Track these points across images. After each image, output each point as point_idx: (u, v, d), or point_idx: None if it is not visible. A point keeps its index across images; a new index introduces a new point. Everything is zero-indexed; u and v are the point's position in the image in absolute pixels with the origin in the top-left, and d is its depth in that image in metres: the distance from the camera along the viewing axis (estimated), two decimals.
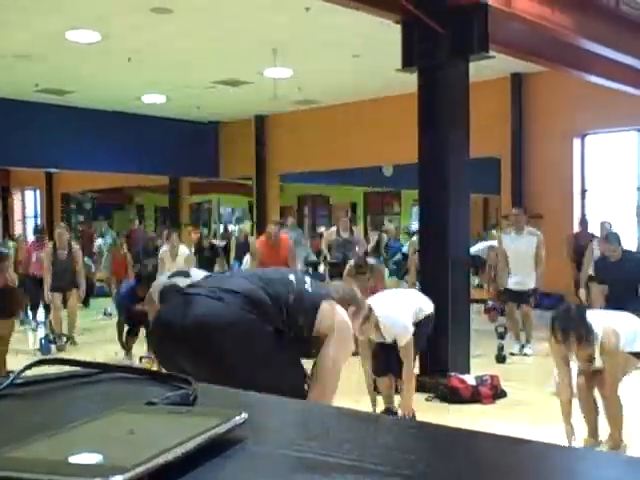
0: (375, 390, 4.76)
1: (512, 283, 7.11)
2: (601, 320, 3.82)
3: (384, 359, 4.60)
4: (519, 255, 6.98)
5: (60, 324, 7.79)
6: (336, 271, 8.34)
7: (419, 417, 4.51)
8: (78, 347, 7.63)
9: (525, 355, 6.88)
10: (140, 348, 6.62)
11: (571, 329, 3.67)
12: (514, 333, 7.11)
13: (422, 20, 5.46)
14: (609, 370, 3.79)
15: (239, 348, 2.29)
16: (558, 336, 3.73)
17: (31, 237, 12.62)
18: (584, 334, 3.68)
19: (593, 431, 4.03)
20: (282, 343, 2.38)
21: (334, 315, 2.50)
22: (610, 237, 6.43)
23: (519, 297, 7.08)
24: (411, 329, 4.37)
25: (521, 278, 7.01)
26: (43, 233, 9.67)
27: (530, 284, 7.02)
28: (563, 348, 3.77)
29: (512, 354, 6.81)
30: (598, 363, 3.81)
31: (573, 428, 3.88)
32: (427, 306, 4.59)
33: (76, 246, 8.22)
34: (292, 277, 2.54)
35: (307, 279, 2.62)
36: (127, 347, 6.71)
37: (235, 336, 2.29)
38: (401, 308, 4.45)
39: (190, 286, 2.56)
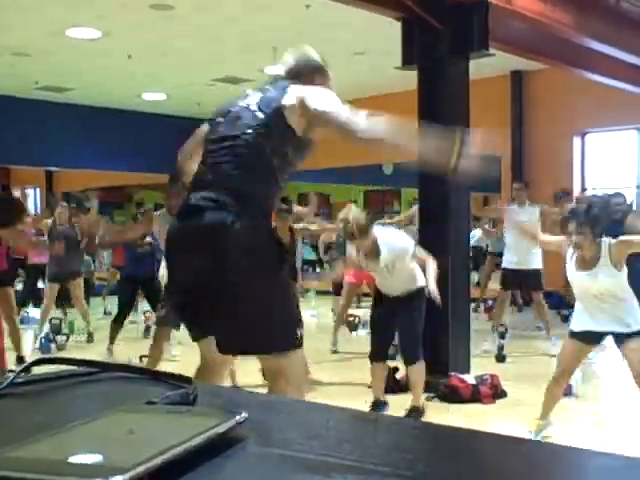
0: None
1: (511, 262, 6.87)
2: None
3: (380, 342, 4.55)
4: (519, 227, 6.80)
5: (45, 318, 7.47)
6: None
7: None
8: (78, 346, 7.60)
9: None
10: (140, 347, 6.63)
11: (586, 223, 3.64)
12: (496, 323, 6.85)
13: (422, 17, 5.45)
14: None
15: (244, 258, 2.24)
16: (576, 226, 3.64)
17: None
18: (596, 230, 3.64)
19: (545, 415, 4.02)
20: (282, 264, 2.33)
21: (300, 90, 2.34)
22: (613, 194, 6.39)
23: (520, 278, 6.84)
24: (413, 242, 4.31)
25: (521, 256, 6.74)
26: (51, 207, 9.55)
27: (532, 264, 6.77)
28: (575, 239, 3.67)
29: (486, 351, 6.54)
30: (600, 263, 3.70)
31: (550, 424, 3.90)
32: (422, 278, 4.44)
33: (77, 224, 7.76)
34: (249, 104, 2.38)
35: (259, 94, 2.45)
36: (112, 337, 6.67)
37: (244, 245, 2.24)
38: (401, 234, 4.43)
39: (191, 190, 2.42)
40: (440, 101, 5.64)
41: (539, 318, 7.13)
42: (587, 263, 3.72)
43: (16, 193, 19.21)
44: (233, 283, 2.23)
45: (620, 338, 3.77)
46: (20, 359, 6.08)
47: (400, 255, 4.25)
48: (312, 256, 13.46)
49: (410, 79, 6.03)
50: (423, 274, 4.38)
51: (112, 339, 6.69)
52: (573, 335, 3.89)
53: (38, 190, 18.58)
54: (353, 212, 4.22)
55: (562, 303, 8.31)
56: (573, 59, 7.64)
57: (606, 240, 3.70)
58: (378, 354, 4.59)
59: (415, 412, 4.56)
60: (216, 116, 2.52)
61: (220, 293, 2.26)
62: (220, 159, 2.35)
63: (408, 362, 4.57)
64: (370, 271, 4.54)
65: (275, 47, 8.88)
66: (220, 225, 2.23)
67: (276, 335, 2.33)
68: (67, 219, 7.62)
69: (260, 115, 2.34)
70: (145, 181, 16.64)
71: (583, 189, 10.62)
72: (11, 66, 9.81)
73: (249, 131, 2.33)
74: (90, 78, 10.60)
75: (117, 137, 12.80)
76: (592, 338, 3.87)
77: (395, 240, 4.32)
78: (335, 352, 7.06)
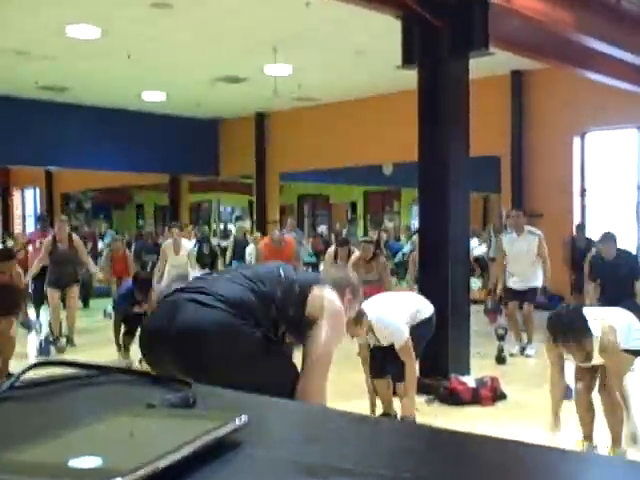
0: (375, 392, 4.75)
1: (512, 282, 7.10)
2: (598, 317, 3.81)
3: (380, 360, 4.57)
4: (519, 256, 6.99)
5: (58, 324, 7.66)
6: None
7: (419, 419, 4.51)
8: (78, 348, 7.60)
9: (527, 356, 6.86)
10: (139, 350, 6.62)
11: (569, 332, 3.66)
12: (515, 333, 7.08)
13: (422, 16, 5.45)
14: (612, 367, 3.78)
15: (226, 354, 2.27)
16: (557, 339, 3.72)
17: (30, 232, 12.58)
18: (583, 335, 3.67)
19: (588, 434, 4.03)
20: (271, 348, 2.35)
21: (323, 300, 2.44)
22: (605, 237, 6.46)
23: (521, 296, 7.04)
24: (406, 332, 4.32)
25: (523, 279, 7.00)
26: (46, 221, 9.62)
27: (532, 282, 6.99)
28: (561, 349, 3.76)
29: (512, 355, 6.77)
30: (596, 360, 3.80)
31: (560, 421, 3.91)
32: (426, 309, 4.55)
33: (77, 238, 7.96)
34: (280, 270, 2.50)
35: (294, 269, 2.59)
36: (124, 347, 6.68)
37: (222, 342, 2.27)
38: (395, 310, 4.42)
39: (176, 290, 2.50)
40: (440, 100, 5.64)
41: (524, 325, 7.18)
42: (584, 360, 3.82)
43: (16, 193, 19.26)
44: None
45: None
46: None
47: (394, 339, 4.35)
48: (312, 259, 13.46)
49: (410, 78, 6.04)
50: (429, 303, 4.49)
51: (127, 349, 6.65)
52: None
53: (38, 190, 18.58)
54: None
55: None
56: (573, 58, 7.64)
57: (595, 336, 3.72)
58: (379, 371, 4.61)
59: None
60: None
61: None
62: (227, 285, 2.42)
63: (397, 380, 4.60)
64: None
65: (275, 46, 8.90)
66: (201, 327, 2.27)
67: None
68: (67, 235, 7.73)
69: (284, 284, 2.43)
70: (145, 181, 16.65)
71: (582, 190, 10.62)
72: (11, 66, 9.81)
73: (267, 288, 2.41)
74: (90, 78, 10.60)
75: (117, 137, 12.80)
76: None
77: (389, 334, 4.34)
78: None
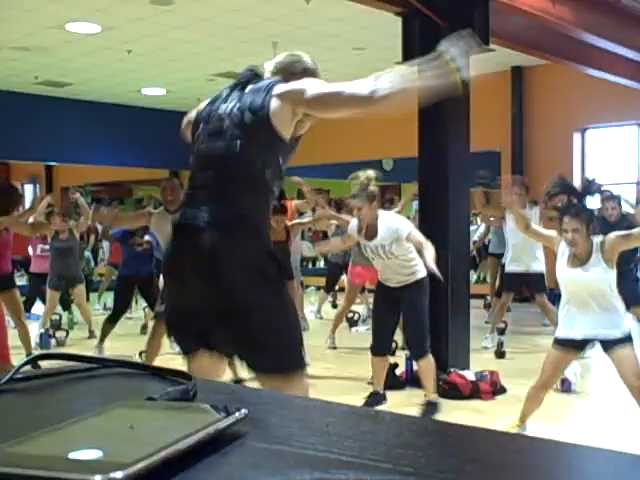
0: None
1: (514, 266, 6.83)
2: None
3: (383, 334, 4.55)
4: (519, 232, 6.81)
5: (50, 320, 7.61)
6: (338, 270, 8.31)
7: (418, 413, 4.52)
8: (77, 342, 7.61)
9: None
10: (138, 344, 6.64)
11: (582, 213, 3.60)
12: (492, 325, 6.91)
13: (423, 12, 5.44)
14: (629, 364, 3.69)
15: (244, 278, 2.16)
16: (571, 212, 3.60)
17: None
18: (590, 224, 3.62)
19: (524, 419, 4.00)
20: (279, 278, 2.23)
21: (285, 88, 2.19)
22: (610, 196, 6.34)
23: (524, 280, 6.82)
24: (411, 224, 4.36)
25: (524, 260, 6.71)
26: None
27: (534, 267, 6.72)
28: (566, 231, 3.63)
29: (485, 348, 6.61)
30: (591, 267, 3.66)
31: (525, 427, 3.90)
32: (422, 267, 4.43)
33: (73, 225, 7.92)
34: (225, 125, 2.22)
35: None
36: (103, 334, 6.66)
37: (243, 272, 2.16)
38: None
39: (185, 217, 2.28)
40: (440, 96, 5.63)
41: (547, 318, 7.09)
42: (578, 260, 3.69)
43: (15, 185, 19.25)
44: (233, 306, 2.15)
45: (607, 345, 3.75)
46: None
47: (396, 235, 4.27)
48: (312, 253, 13.45)
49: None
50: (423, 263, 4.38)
51: (102, 338, 6.67)
52: (557, 343, 3.87)
53: (38, 185, 18.57)
54: (370, 172, 4.28)
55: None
56: (573, 55, 7.63)
57: (597, 238, 3.67)
58: (379, 347, 4.60)
59: (429, 406, 4.56)
60: (199, 120, 2.37)
61: (219, 317, 2.17)
62: (210, 177, 2.22)
63: (416, 357, 4.59)
64: (368, 255, 4.52)
65: (275, 42, 8.88)
66: (214, 248, 2.13)
67: (282, 356, 2.23)
68: (68, 227, 7.70)
69: (244, 125, 2.20)
70: (145, 176, 16.63)
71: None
72: (11, 61, 9.79)
73: (236, 143, 2.19)
74: (90, 73, 10.58)
75: (117, 132, 12.78)
76: (576, 345, 3.85)
77: (392, 221, 4.35)
78: (334, 348, 7.07)
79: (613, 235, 3.71)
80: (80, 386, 0.71)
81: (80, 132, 12.41)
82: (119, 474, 0.43)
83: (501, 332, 6.72)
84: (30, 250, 9.18)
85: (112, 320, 6.70)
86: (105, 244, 12.24)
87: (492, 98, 10.36)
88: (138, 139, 13.11)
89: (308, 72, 2.44)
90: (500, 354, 6.53)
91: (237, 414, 0.54)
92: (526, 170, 10.80)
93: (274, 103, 2.20)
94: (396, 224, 4.33)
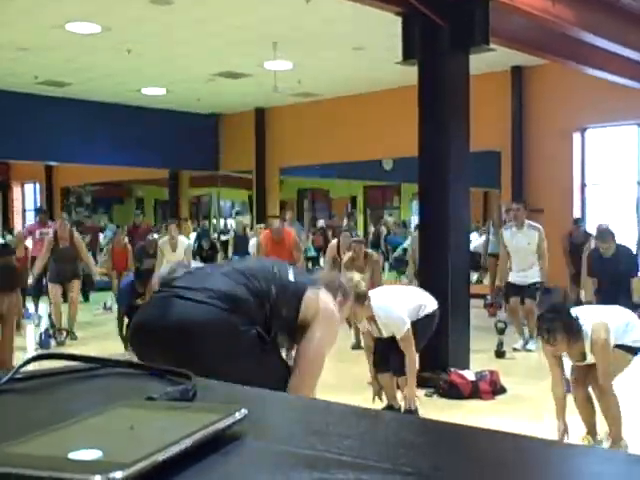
0: (379, 386, 4.77)
1: (513, 277, 7.10)
2: (590, 316, 3.79)
3: (383, 354, 4.60)
4: (520, 250, 6.98)
5: (60, 318, 7.73)
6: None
7: (420, 412, 4.51)
8: (78, 341, 7.62)
9: (529, 351, 6.86)
10: None
11: (557, 329, 3.65)
12: (517, 329, 7.07)
13: (423, 12, 5.44)
14: (601, 366, 3.76)
15: (217, 352, 2.23)
16: (545, 338, 3.72)
17: (30, 224, 12.57)
18: (571, 333, 3.66)
19: (591, 429, 4.03)
20: (264, 346, 2.32)
21: (318, 302, 2.43)
22: (603, 234, 6.46)
23: (522, 291, 7.03)
24: (407, 321, 4.36)
25: (523, 274, 6.99)
26: (46, 213, 9.65)
27: (532, 278, 6.97)
28: (553, 348, 3.76)
29: (515, 350, 6.77)
30: (590, 359, 3.79)
31: (566, 425, 3.88)
32: (430, 304, 4.58)
33: (78, 235, 8.08)
34: (275, 269, 2.47)
35: (291, 269, 2.56)
36: (126, 341, 6.72)
37: (213, 339, 2.24)
38: (398, 301, 4.46)
39: (167, 285, 2.45)
40: (440, 96, 5.63)
41: (525, 320, 7.17)
42: (579, 358, 3.81)
43: (16, 188, 19.24)
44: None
45: None
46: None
47: (394, 333, 4.38)
48: (313, 253, 13.50)
49: (410, 74, 6.03)
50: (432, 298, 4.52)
51: (126, 343, 6.67)
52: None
53: (38, 185, 18.57)
54: (356, 279, 4.29)
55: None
56: (573, 54, 7.63)
57: (586, 331, 3.71)
58: (382, 365, 4.64)
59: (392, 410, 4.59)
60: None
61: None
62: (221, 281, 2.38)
63: (397, 374, 4.63)
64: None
65: (275, 42, 8.88)
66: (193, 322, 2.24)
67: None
68: (68, 233, 7.74)
69: (278, 288, 2.40)
70: (145, 176, 16.63)
71: (583, 185, 10.62)
72: (11, 61, 9.79)
73: (262, 288, 2.37)
74: (90, 73, 10.58)
75: (117, 132, 12.79)
76: None
77: (389, 320, 4.38)
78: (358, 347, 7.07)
79: (594, 339, 3.73)
80: (80, 386, 0.71)
81: (80, 132, 12.41)
82: (119, 474, 0.43)
83: (501, 332, 6.73)
84: (29, 240, 9.24)
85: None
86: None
87: (492, 98, 10.36)
88: (138, 139, 13.11)
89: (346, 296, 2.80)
90: (500, 354, 6.54)
91: (237, 414, 0.54)
92: (526, 170, 10.80)
93: (307, 302, 2.46)
94: (392, 322, 4.38)
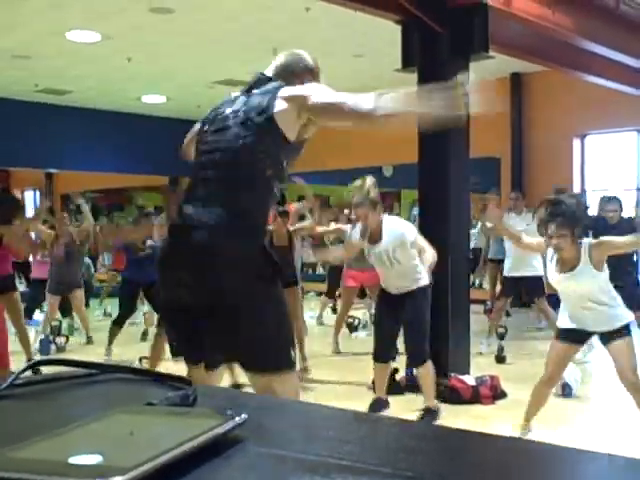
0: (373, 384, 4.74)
1: (512, 271, 6.88)
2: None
3: (385, 342, 4.54)
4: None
5: (50, 326, 7.67)
6: (339, 274, 8.29)
7: (416, 417, 4.50)
8: (78, 347, 7.61)
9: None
10: (139, 349, 6.63)
11: (567, 225, 3.57)
12: (491, 330, 6.90)
13: (422, 20, 5.46)
14: (626, 360, 3.66)
15: (239, 279, 2.17)
16: (556, 225, 3.57)
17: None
18: (576, 237, 3.59)
19: (529, 419, 4.00)
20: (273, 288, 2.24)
21: (290, 95, 2.21)
22: (611, 199, 6.33)
23: (521, 286, 6.85)
24: (413, 233, 4.34)
25: (522, 264, 6.75)
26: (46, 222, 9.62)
27: (532, 271, 6.72)
28: (556, 241, 3.59)
29: (480, 354, 6.56)
30: (581, 272, 3.63)
31: (530, 429, 3.90)
32: (425, 276, 4.46)
33: (75, 231, 7.80)
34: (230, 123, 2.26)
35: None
36: (111, 338, 6.68)
37: (235, 267, 2.16)
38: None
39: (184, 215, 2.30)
40: None
41: (544, 319, 7.09)
42: (567, 265, 3.68)
43: (16, 195, 19.26)
44: (224, 302, 2.16)
45: (605, 337, 3.78)
46: (30, 361, 6.08)
47: (401, 240, 4.27)
48: (311, 258, 13.46)
49: (410, 82, 6.04)
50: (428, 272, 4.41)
51: (111, 341, 6.71)
52: (560, 335, 3.90)
53: (38, 192, 18.59)
54: (370, 180, 4.29)
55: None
56: (572, 61, 7.65)
57: (586, 241, 3.67)
58: (382, 354, 4.59)
59: (428, 413, 4.55)
60: (204, 122, 2.42)
61: (211, 312, 2.18)
62: (211, 174, 2.24)
63: (414, 364, 4.57)
64: (372, 261, 4.51)
65: (275, 49, 8.90)
66: (211, 245, 2.14)
67: (270, 353, 2.24)
68: (67, 231, 7.68)
69: (249, 124, 2.22)
70: (145, 183, 16.65)
71: (582, 191, 10.63)
72: (11, 68, 9.82)
73: (239, 142, 2.21)
74: (90, 81, 10.61)
75: (117, 139, 12.81)
76: (578, 337, 3.86)
77: (398, 226, 4.36)
78: (338, 353, 7.08)
79: (603, 240, 3.72)
80: (80, 392, 0.71)
81: (80, 139, 12.43)
82: (119, 479, 0.43)
83: (501, 337, 6.72)
84: (30, 257, 9.17)
85: (118, 323, 6.73)
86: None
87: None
88: (138, 146, 13.13)
89: (310, 71, 2.49)
90: (500, 359, 6.52)
91: (237, 419, 0.54)
92: (525, 176, 10.81)
93: (279, 105, 2.22)
94: (401, 229, 4.34)
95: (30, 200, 19.13)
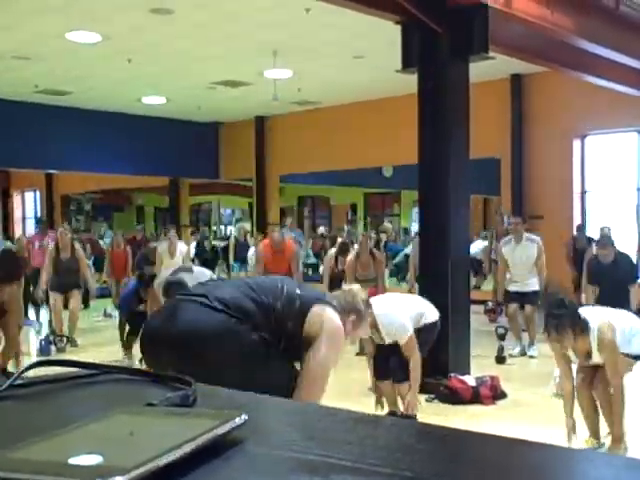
0: (380, 393, 4.76)
1: (511, 285, 7.21)
2: (596, 315, 3.81)
3: (383, 362, 4.58)
4: (518, 264, 7.10)
5: (61, 325, 7.73)
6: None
7: (419, 418, 4.50)
8: (78, 348, 7.61)
9: (531, 357, 6.87)
10: (139, 350, 6.61)
11: (565, 323, 3.65)
12: (515, 335, 7.11)
13: (422, 21, 5.46)
14: (610, 364, 3.76)
15: (225, 356, 2.30)
16: (553, 333, 3.71)
17: (29, 235, 12.57)
18: (578, 327, 3.66)
19: (594, 431, 4.02)
20: (269, 351, 2.38)
21: (323, 318, 2.47)
22: (603, 240, 6.51)
23: (521, 298, 7.13)
24: (410, 328, 4.36)
25: (522, 283, 7.10)
26: (45, 224, 9.63)
27: (531, 286, 7.07)
28: (560, 346, 3.75)
29: (511, 356, 6.79)
30: (596, 358, 3.79)
31: (574, 421, 3.89)
32: (431, 313, 4.58)
33: (78, 246, 8.09)
34: (283, 283, 2.55)
35: (299, 285, 2.64)
36: (127, 346, 6.70)
37: (221, 344, 2.31)
38: (400, 308, 4.46)
39: (181, 293, 2.58)
40: (440, 104, 5.65)
41: (525, 326, 7.19)
42: (583, 354, 3.81)
43: (16, 196, 19.26)
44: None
45: None
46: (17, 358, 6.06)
47: (396, 339, 4.36)
48: (313, 260, 13.50)
49: (410, 82, 6.04)
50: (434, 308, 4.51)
51: (129, 346, 6.65)
52: None
53: (38, 193, 18.59)
54: (355, 288, 4.30)
55: None
56: (572, 62, 7.65)
57: (594, 330, 3.71)
58: (381, 373, 4.62)
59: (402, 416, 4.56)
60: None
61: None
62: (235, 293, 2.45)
63: (397, 381, 4.59)
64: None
65: (275, 51, 8.91)
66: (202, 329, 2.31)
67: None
68: (69, 244, 7.72)
69: (285, 301, 2.46)
70: (145, 184, 16.66)
71: (583, 192, 10.63)
72: (11, 69, 9.82)
73: (271, 304, 2.44)
74: (90, 82, 10.61)
75: (117, 140, 12.81)
76: None
77: (391, 325, 4.37)
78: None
79: (605, 339, 3.75)
80: (80, 392, 0.71)
81: (80, 140, 12.44)
82: (119, 479, 0.43)
83: (501, 337, 6.74)
84: (26, 254, 9.23)
85: (133, 333, 6.66)
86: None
87: (492, 105, 10.38)
88: (138, 147, 13.14)
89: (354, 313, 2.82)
90: (500, 359, 6.53)
91: (237, 419, 0.54)
92: (525, 177, 10.81)
93: (311, 316, 2.50)
94: (394, 329, 4.36)
95: (30, 201, 19.14)
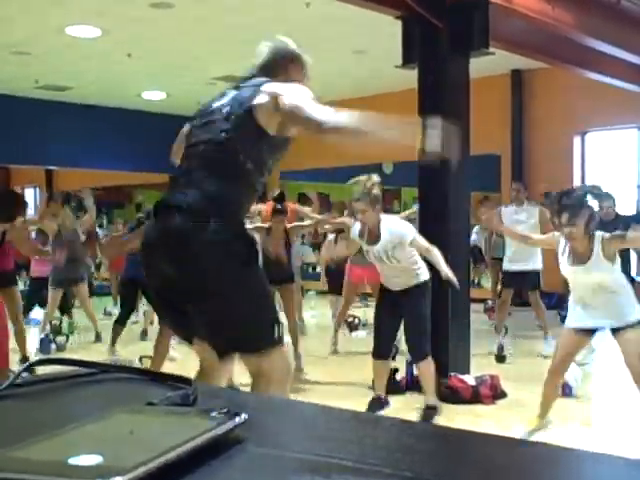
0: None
1: (511, 264, 6.86)
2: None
3: (386, 339, 4.53)
4: (518, 227, 6.81)
5: (51, 325, 7.62)
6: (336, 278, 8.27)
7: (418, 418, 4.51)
8: (78, 347, 7.60)
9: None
10: (139, 349, 6.63)
11: (581, 215, 3.59)
12: (498, 326, 6.88)
13: (422, 16, 5.44)
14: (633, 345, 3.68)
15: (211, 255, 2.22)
16: (568, 216, 3.59)
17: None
18: (589, 227, 3.60)
19: (544, 412, 4.01)
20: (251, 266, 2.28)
21: (272, 88, 2.26)
22: (603, 196, 6.38)
23: (520, 281, 6.85)
24: (415, 231, 4.32)
25: (521, 258, 6.71)
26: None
27: (531, 264, 6.73)
28: (569, 232, 3.62)
29: (491, 354, 6.49)
30: (589, 264, 3.66)
31: (544, 425, 3.92)
32: (425, 271, 4.48)
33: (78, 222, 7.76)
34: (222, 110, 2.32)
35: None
36: (114, 337, 6.66)
37: (208, 255, 2.22)
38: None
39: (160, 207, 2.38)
40: (441, 100, 5.63)
41: (538, 317, 7.12)
42: (580, 257, 3.69)
43: (19, 192, 19.26)
44: (199, 286, 2.21)
45: (616, 331, 3.78)
46: (25, 359, 6.09)
47: (400, 240, 4.27)
48: (312, 258, 13.47)
49: (410, 78, 6.03)
50: (427, 268, 4.40)
51: (114, 340, 6.69)
52: (568, 328, 3.92)
53: (38, 189, 18.59)
54: (375, 178, 4.31)
55: (561, 304, 8.31)
56: (573, 58, 7.64)
57: (599, 234, 3.68)
58: (381, 351, 4.59)
59: (429, 410, 4.55)
60: (195, 117, 2.49)
61: (189, 296, 2.24)
62: (193, 164, 2.33)
63: (416, 360, 4.57)
64: (371, 259, 4.51)
65: None
66: (188, 228, 2.20)
67: (249, 335, 2.29)
68: (72, 223, 7.65)
69: (232, 117, 2.29)
70: (145, 180, 16.64)
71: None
72: (11, 65, 9.80)
73: (221, 135, 2.28)
74: (90, 77, 10.59)
75: (117, 136, 12.79)
76: (588, 331, 3.88)
77: (396, 225, 4.35)
78: (336, 352, 7.05)
79: (617, 234, 3.75)
80: (80, 391, 0.71)
81: (80, 136, 12.42)
82: (119, 479, 0.43)
83: (502, 336, 6.71)
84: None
85: (121, 322, 6.72)
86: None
87: (492, 101, 10.36)
88: (138, 143, 13.11)
89: (291, 58, 2.59)
90: (500, 358, 6.51)
91: (237, 419, 0.54)
92: (526, 173, 10.80)
93: (259, 98, 2.28)
94: (400, 228, 4.33)
95: (31, 197, 19.13)
